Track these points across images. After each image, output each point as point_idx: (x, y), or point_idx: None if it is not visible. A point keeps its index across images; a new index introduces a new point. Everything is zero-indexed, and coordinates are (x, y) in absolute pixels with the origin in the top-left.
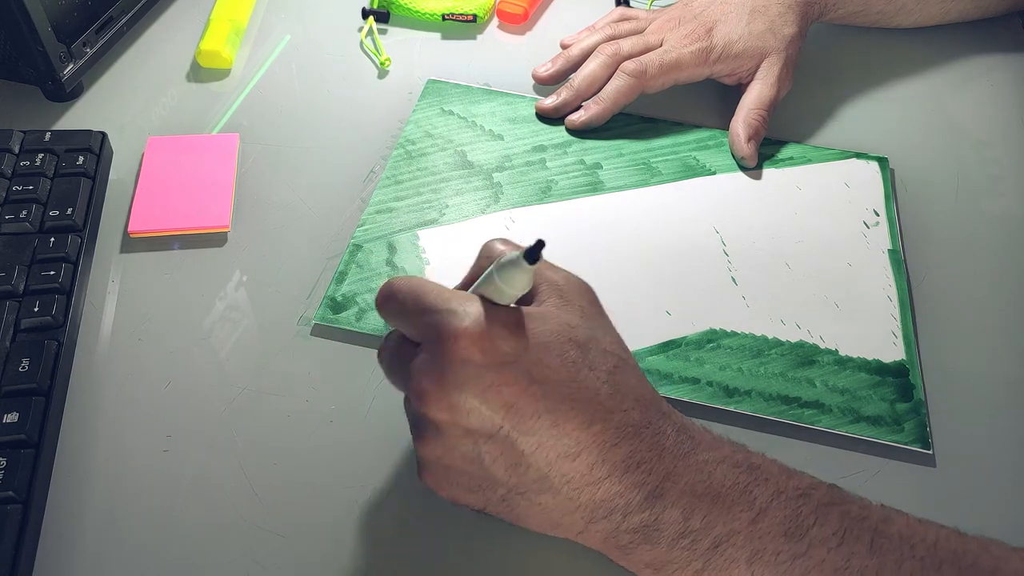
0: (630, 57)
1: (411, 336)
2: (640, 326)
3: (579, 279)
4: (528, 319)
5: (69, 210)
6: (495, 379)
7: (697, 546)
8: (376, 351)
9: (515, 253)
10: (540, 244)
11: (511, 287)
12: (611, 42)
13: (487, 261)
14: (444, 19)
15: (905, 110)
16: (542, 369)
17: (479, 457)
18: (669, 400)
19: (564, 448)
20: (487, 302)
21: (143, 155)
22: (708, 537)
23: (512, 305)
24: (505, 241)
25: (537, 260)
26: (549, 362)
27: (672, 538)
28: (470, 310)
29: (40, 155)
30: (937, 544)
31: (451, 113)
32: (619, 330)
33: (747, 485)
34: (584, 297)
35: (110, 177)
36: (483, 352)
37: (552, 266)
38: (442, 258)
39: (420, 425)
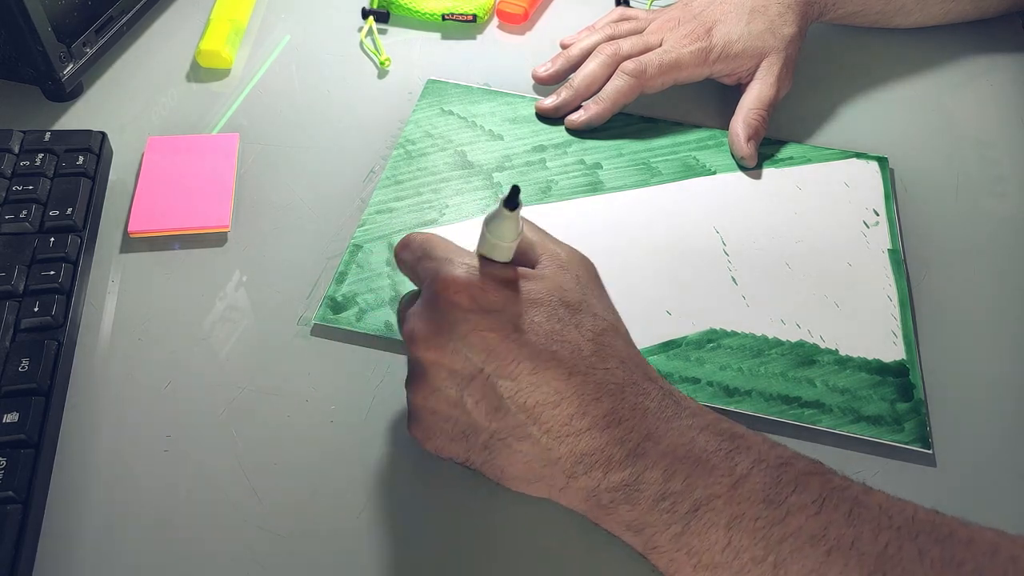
0: (630, 57)
1: (415, 283)
2: (640, 326)
3: (581, 253)
4: (522, 277)
5: (69, 210)
6: (479, 323)
7: (677, 508)
8: (377, 350)
9: (497, 204)
10: (516, 189)
11: (499, 237)
12: (611, 42)
13: None
14: (444, 19)
15: (905, 110)
16: (527, 322)
17: (462, 400)
18: None
19: (543, 396)
20: (486, 260)
21: (143, 155)
22: (688, 500)
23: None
24: None
25: (517, 206)
26: (535, 316)
27: (652, 499)
28: (466, 261)
29: (40, 155)
30: (916, 516)
31: (451, 113)
32: None
33: (729, 451)
34: (582, 267)
35: (110, 177)
36: (471, 299)
37: (555, 239)
38: None
39: (411, 369)
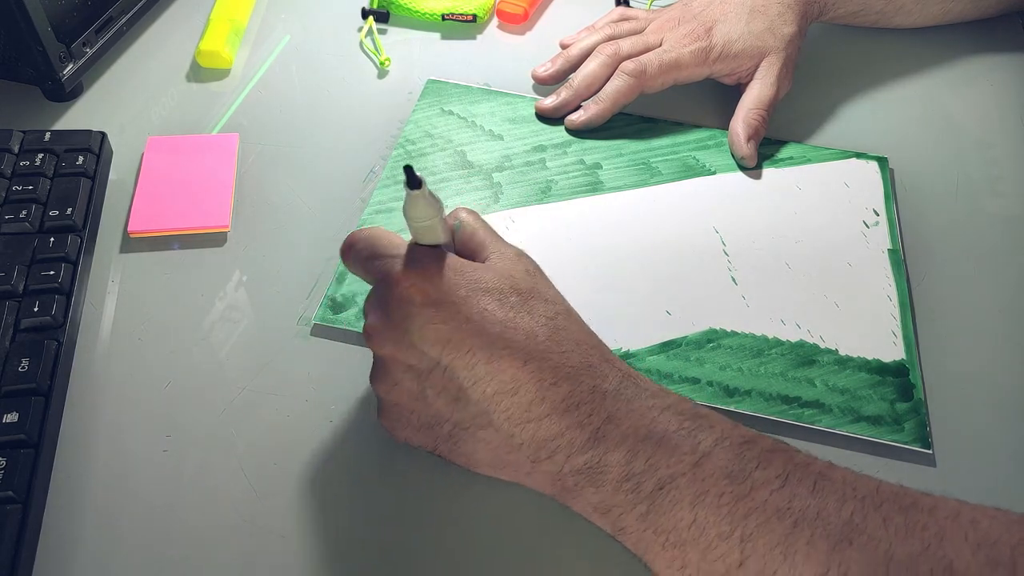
0: (629, 57)
1: (367, 282)
2: (640, 326)
3: (525, 254)
4: (471, 267)
5: (69, 210)
6: (432, 316)
7: (641, 489)
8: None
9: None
10: (408, 168)
11: (420, 219)
12: (611, 42)
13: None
14: (444, 19)
15: (905, 110)
16: (480, 311)
17: (423, 392)
18: None
19: (500, 384)
20: (433, 250)
21: (143, 155)
22: (651, 480)
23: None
24: (469, 211)
25: (417, 184)
26: (487, 305)
27: (616, 480)
28: (413, 255)
29: (40, 155)
30: (879, 488)
31: (451, 113)
32: (619, 330)
33: (692, 430)
34: (528, 262)
35: (110, 177)
36: (422, 293)
37: (501, 239)
38: None
39: (374, 364)
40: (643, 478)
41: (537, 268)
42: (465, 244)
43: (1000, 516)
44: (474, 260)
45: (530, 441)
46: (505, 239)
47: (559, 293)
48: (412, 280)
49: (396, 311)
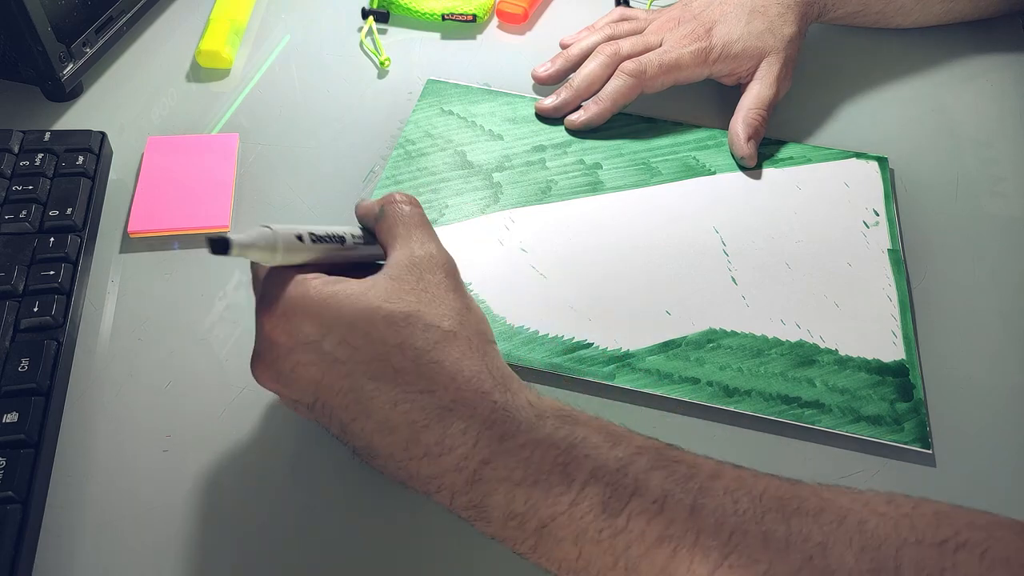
0: (629, 57)
1: None
2: (640, 326)
3: (441, 253)
4: (339, 298)
5: (69, 210)
6: (300, 359)
7: (525, 526)
8: None
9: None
10: (207, 239)
11: (262, 260)
12: (610, 42)
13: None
14: (444, 19)
15: (905, 110)
16: (346, 348)
17: (317, 419)
18: (669, 400)
19: (376, 424)
20: (295, 275)
21: (143, 155)
22: (533, 519)
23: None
24: (404, 198)
25: (223, 248)
26: (354, 341)
27: (501, 519)
28: (270, 288)
29: (40, 155)
30: (764, 494)
31: (451, 113)
32: (619, 330)
33: (565, 466)
34: (432, 269)
35: (110, 177)
36: (285, 334)
37: (425, 237)
38: None
39: None
40: (526, 517)
41: (440, 272)
42: (383, 235)
43: (891, 512)
44: (382, 255)
45: (417, 475)
46: (435, 233)
47: (456, 305)
48: (273, 321)
49: (267, 352)
